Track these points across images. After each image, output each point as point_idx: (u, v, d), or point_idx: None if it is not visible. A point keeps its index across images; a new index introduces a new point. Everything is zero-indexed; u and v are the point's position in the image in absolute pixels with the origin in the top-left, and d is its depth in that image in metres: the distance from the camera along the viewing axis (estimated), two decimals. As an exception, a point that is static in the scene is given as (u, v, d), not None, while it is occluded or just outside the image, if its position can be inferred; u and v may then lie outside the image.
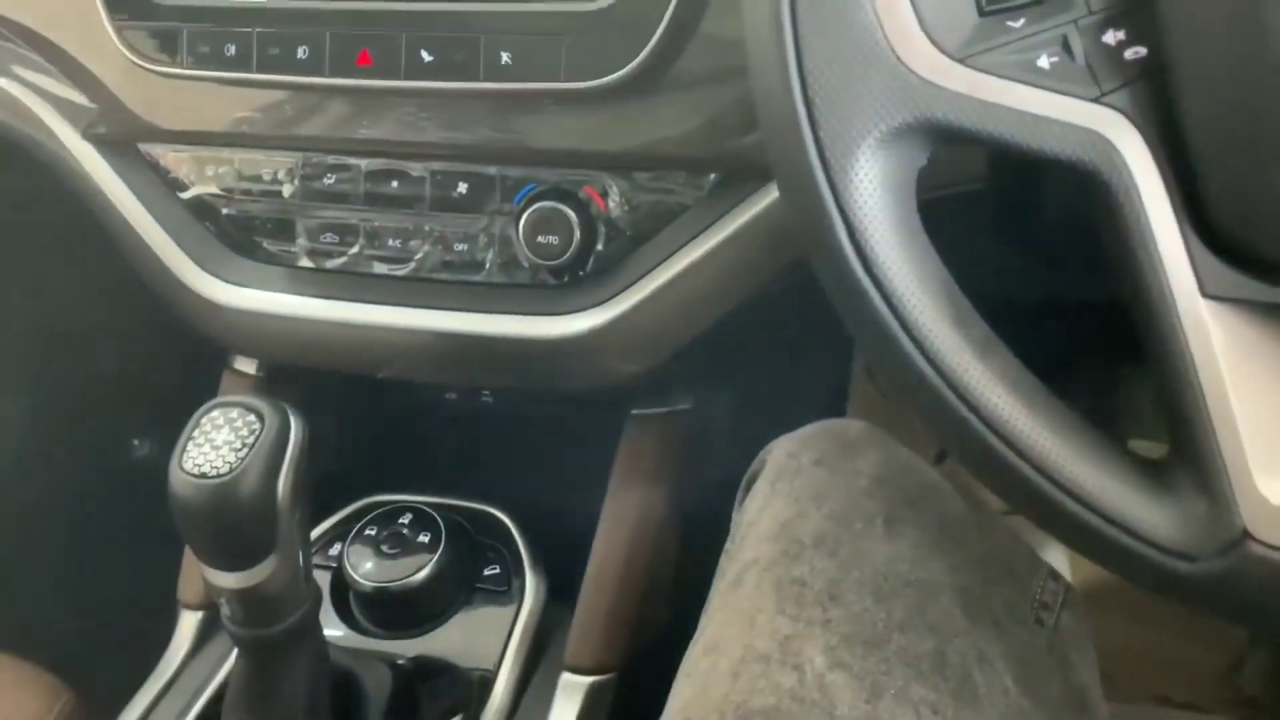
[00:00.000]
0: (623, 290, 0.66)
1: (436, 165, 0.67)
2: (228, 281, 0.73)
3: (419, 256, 0.69)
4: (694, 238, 0.64)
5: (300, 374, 0.80)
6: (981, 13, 0.37)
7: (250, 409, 0.58)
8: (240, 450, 0.56)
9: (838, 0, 0.38)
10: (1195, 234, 0.37)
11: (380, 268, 0.70)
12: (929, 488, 0.59)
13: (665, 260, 0.65)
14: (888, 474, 0.58)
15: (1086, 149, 0.37)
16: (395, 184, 0.68)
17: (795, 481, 0.58)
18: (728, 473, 0.65)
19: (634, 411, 0.76)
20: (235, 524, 0.55)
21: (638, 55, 0.59)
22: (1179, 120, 0.36)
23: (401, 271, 0.69)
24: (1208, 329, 0.38)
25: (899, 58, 0.38)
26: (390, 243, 0.69)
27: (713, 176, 0.64)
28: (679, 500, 0.75)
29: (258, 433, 0.56)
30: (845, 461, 0.59)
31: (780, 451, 0.61)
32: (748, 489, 0.63)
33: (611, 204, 0.65)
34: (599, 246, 0.65)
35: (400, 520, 0.75)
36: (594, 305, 0.66)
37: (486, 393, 0.85)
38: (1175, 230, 0.37)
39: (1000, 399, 0.39)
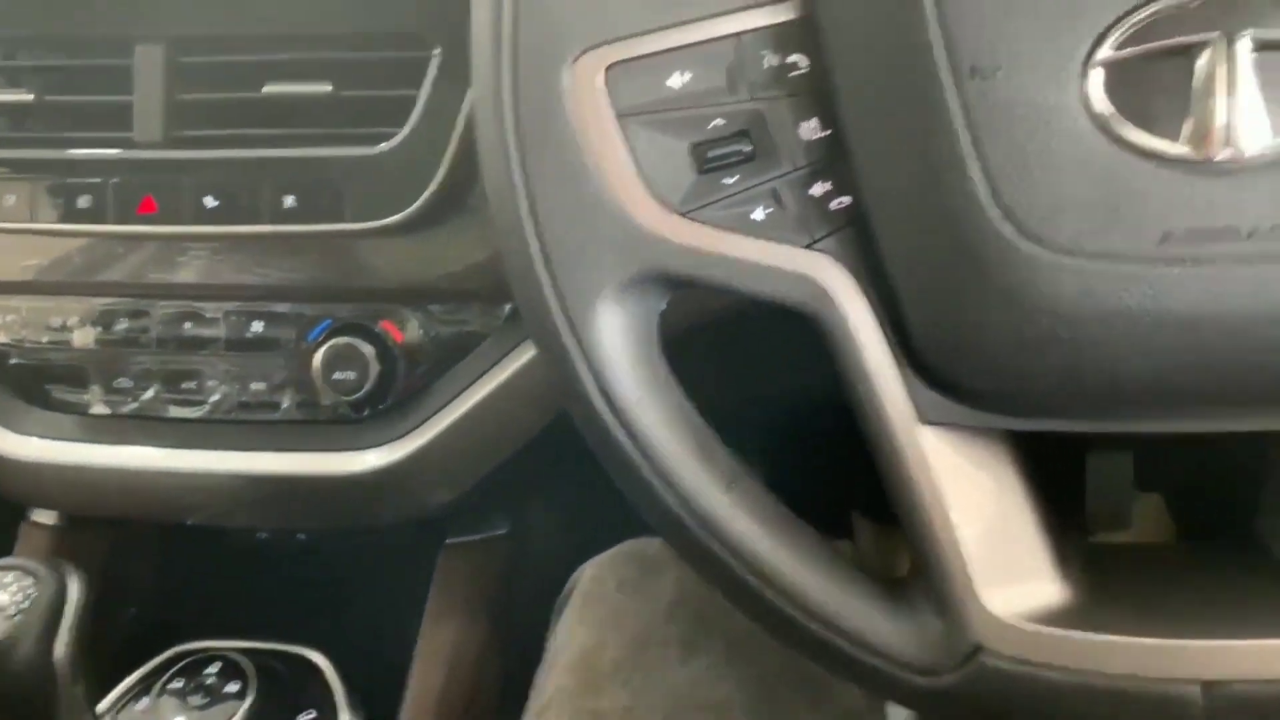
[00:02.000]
0: (424, 421, 0.66)
1: (230, 306, 0.67)
2: (17, 432, 0.71)
3: (215, 399, 0.68)
4: (493, 365, 0.65)
5: (103, 522, 0.77)
6: (699, 171, 0.40)
7: (27, 572, 0.55)
8: (13, 616, 0.53)
9: (567, 163, 0.40)
10: (908, 366, 0.40)
11: (176, 411, 0.69)
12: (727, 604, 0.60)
13: (466, 389, 0.66)
14: (686, 593, 0.59)
15: (803, 293, 0.40)
16: (188, 326, 0.68)
17: (599, 608, 0.59)
18: (547, 594, 0.65)
19: (448, 541, 0.75)
20: (5, 695, 0.53)
21: (420, 196, 0.61)
22: (882, 263, 0.39)
23: (197, 414, 0.68)
24: (926, 454, 0.40)
25: (628, 215, 0.40)
26: (185, 385, 0.68)
27: (508, 306, 0.65)
28: (497, 628, 0.75)
29: (32, 597, 0.54)
30: (646, 583, 0.60)
31: (587, 576, 0.62)
32: (559, 614, 0.63)
33: (409, 336, 0.66)
34: (398, 379, 0.66)
35: (208, 670, 0.72)
36: (396, 438, 0.67)
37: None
38: (890, 363, 0.40)
39: (745, 529, 0.41)
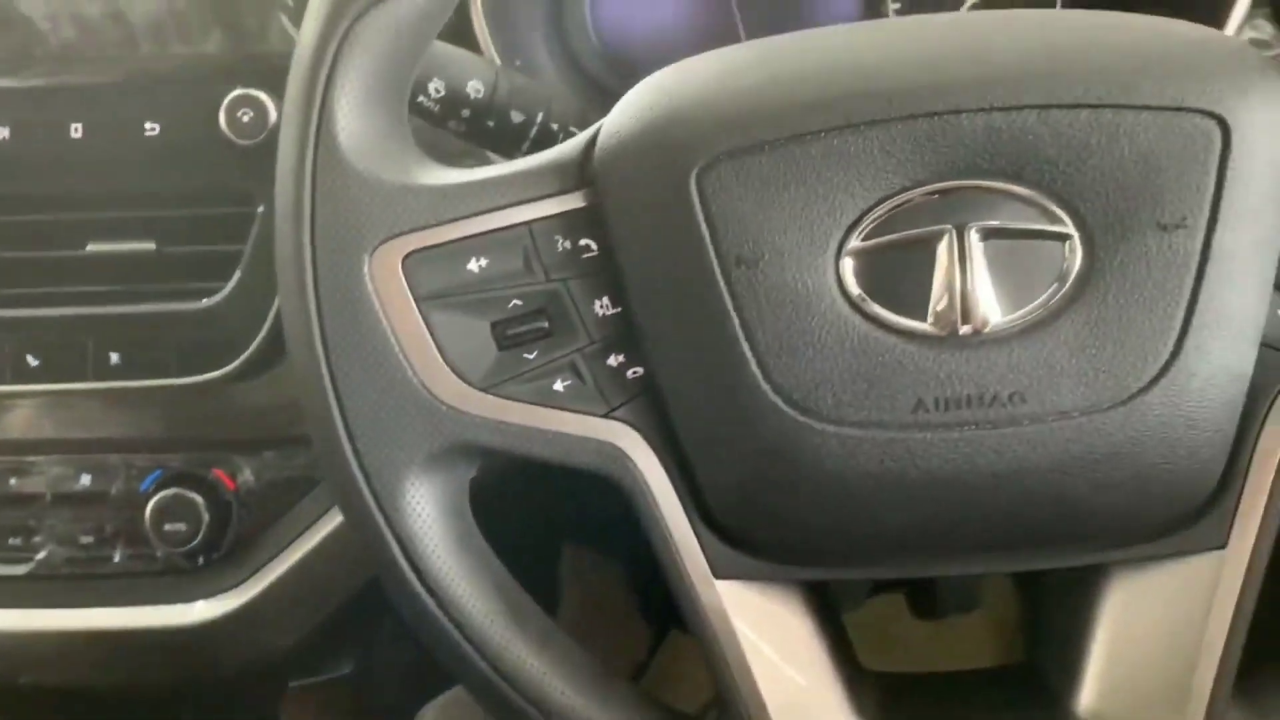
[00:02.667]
0: (260, 568, 0.66)
1: (57, 459, 0.66)
2: None
3: (42, 555, 0.66)
4: (328, 509, 0.66)
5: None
6: (501, 348, 0.42)
7: None
8: None
9: (370, 347, 0.41)
10: (703, 524, 0.43)
11: (1, 569, 0.67)
12: None
13: (302, 534, 0.66)
14: None
15: (603, 459, 0.42)
16: (14, 481, 0.66)
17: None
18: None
19: (291, 684, 0.75)
20: None
21: (248, 347, 0.62)
22: (674, 430, 0.42)
23: (23, 570, 0.67)
24: (723, 607, 0.43)
25: (430, 392, 0.42)
26: (11, 541, 0.67)
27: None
28: (345, 768, 0.74)
29: None
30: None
31: (429, 718, 0.63)
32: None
33: (242, 484, 0.66)
34: (232, 527, 0.66)
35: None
36: (232, 587, 0.66)
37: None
38: (686, 523, 0.43)
39: (556, 687, 0.43)
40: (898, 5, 0.77)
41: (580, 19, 0.78)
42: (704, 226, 0.39)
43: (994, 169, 0.39)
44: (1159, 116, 0.38)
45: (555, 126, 0.54)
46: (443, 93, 0.51)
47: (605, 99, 0.80)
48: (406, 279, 0.42)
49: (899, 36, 0.41)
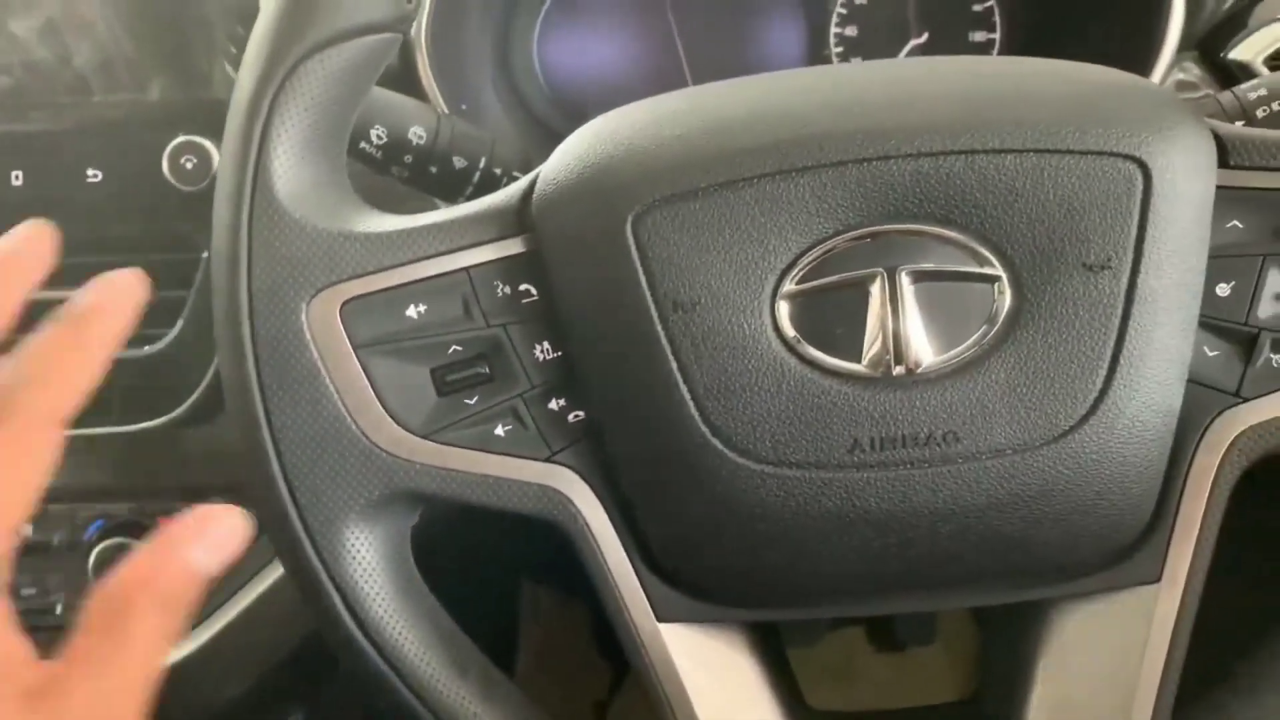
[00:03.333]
0: (206, 618, 0.65)
1: (-3, 510, 0.65)
2: None
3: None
4: (274, 558, 0.65)
5: None
6: (440, 394, 0.42)
7: None
8: None
9: (307, 395, 0.41)
10: (646, 567, 0.43)
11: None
12: None
13: (248, 583, 0.65)
14: None
15: (545, 503, 0.42)
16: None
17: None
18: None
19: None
20: None
21: (192, 394, 0.61)
22: (616, 472, 0.42)
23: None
24: (667, 649, 0.43)
25: (370, 440, 0.42)
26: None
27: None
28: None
29: None
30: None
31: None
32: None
33: (188, 532, 0.65)
34: (178, 576, 0.65)
35: None
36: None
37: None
38: (628, 566, 0.43)
39: None
40: (840, 49, 0.79)
41: (527, 62, 0.79)
42: (640, 271, 0.40)
43: (923, 213, 0.39)
44: (1082, 161, 0.39)
45: (498, 171, 0.54)
46: (385, 139, 0.52)
47: (552, 141, 0.81)
48: (344, 326, 0.42)
49: (829, 84, 0.42)
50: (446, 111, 0.65)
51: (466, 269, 0.42)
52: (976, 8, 0.77)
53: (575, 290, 0.41)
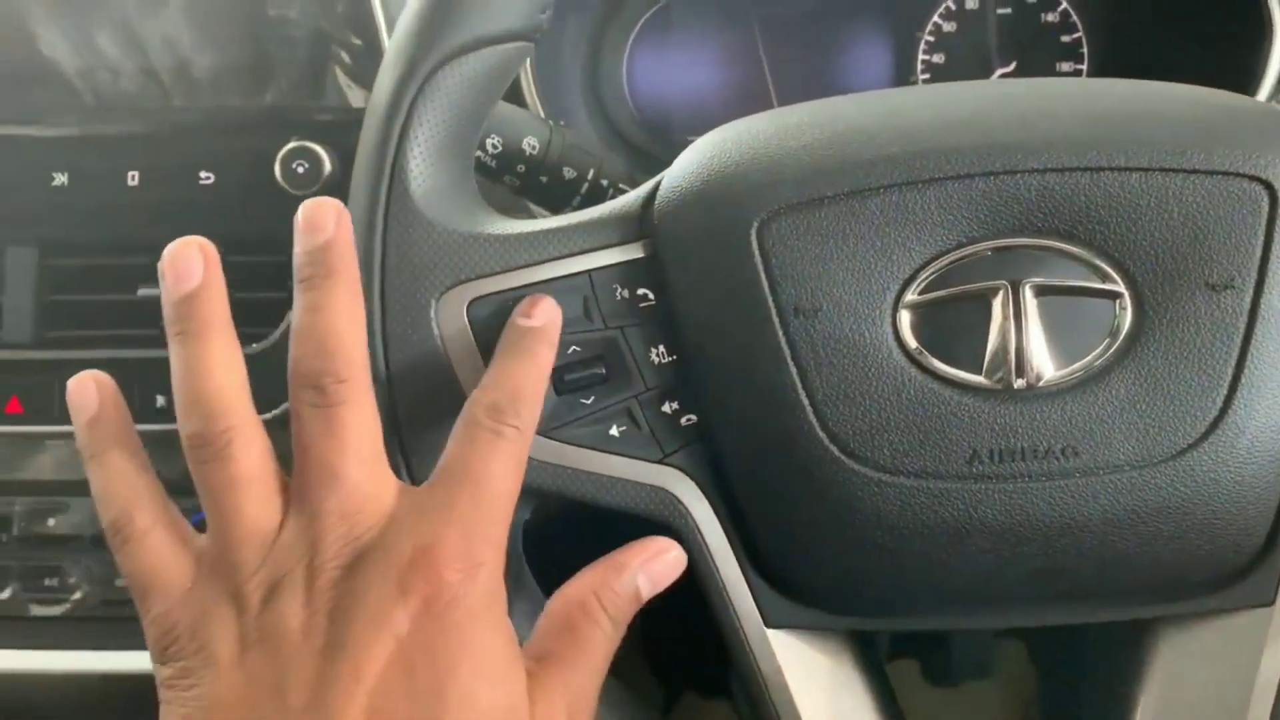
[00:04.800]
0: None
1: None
2: None
3: (78, 595, 0.67)
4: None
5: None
6: (558, 392, 0.43)
7: None
8: None
9: (432, 384, 0.42)
10: (756, 573, 0.43)
11: (37, 610, 0.67)
12: None
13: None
14: None
15: (656, 504, 0.43)
16: (51, 522, 0.67)
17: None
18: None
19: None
20: None
21: (293, 394, 0.62)
22: (728, 477, 0.43)
23: (58, 611, 0.67)
24: (775, 656, 0.43)
25: None
26: (47, 582, 0.67)
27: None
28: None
29: None
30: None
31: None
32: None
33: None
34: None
35: None
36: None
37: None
38: (738, 570, 0.43)
39: None
40: (926, 76, 0.79)
41: (616, 87, 0.80)
42: (764, 277, 0.40)
43: (1048, 228, 0.40)
44: (1207, 181, 0.39)
45: (605, 183, 0.56)
46: (500, 148, 0.53)
47: (639, 160, 0.83)
48: (470, 324, 0.43)
49: (952, 99, 0.43)
50: (546, 125, 0.67)
51: (588, 271, 0.43)
52: (1065, 39, 0.77)
53: (695, 294, 0.42)
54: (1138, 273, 0.40)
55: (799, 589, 0.43)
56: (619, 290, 0.43)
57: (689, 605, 0.44)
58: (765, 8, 0.79)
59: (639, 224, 0.43)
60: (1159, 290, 0.40)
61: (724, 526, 0.43)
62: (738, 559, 0.43)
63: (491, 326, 0.43)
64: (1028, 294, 0.40)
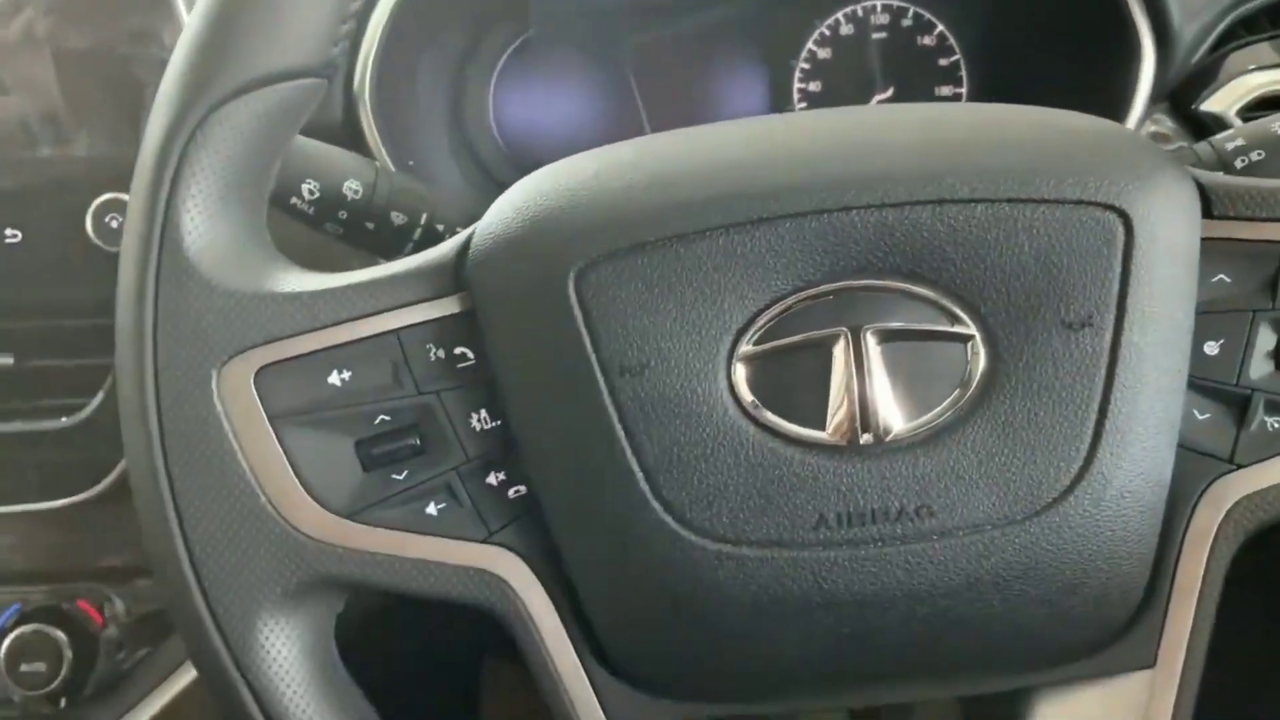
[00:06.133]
0: (129, 710, 0.60)
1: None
2: None
3: None
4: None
5: None
6: (365, 469, 0.38)
7: None
8: None
9: (217, 473, 0.38)
10: (596, 661, 0.39)
11: None
12: None
13: (175, 671, 0.60)
14: None
15: (481, 589, 0.39)
16: None
17: None
18: None
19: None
20: None
21: (114, 469, 0.57)
22: (560, 553, 0.38)
23: None
24: None
25: (286, 522, 0.38)
26: None
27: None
28: None
29: None
30: None
31: None
32: None
33: (111, 617, 0.61)
34: (98, 666, 0.60)
35: None
36: (97, 731, 0.60)
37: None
38: (575, 660, 0.39)
39: None
40: (804, 105, 0.77)
41: (482, 116, 0.76)
42: (584, 332, 0.36)
43: (889, 268, 0.36)
44: (1058, 210, 0.36)
45: (441, 228, 0.51)
46: (317, 194, 0.48)
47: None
48: (260, 396, 0.38)
49: (784, 132, 0.39)
50: (392, 168, 0.62)
51: (396, 331, 0.39)
52: (943, 62, 0.75)
53: (514, 353, 0.38)
54: (989, 313, 0.36)
55: (641, 676, 0.39)
56: (433, 350, 0.39)
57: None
58: (635, 35, 0.76)
59: (453, 276, 0.39)
60: (1012, 331, 0.36)
61: (559, 611, 0.39)
62: (575, 647, 0.39)
63: (285, 400, 0.38)
64: (870, 340, 0.36)
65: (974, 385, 0.36)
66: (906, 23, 0.75)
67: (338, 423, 0.38)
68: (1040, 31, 0.71)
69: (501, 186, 0.77)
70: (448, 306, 0.39)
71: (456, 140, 0.75)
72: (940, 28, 0.75)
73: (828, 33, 0.76)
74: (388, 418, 0.39)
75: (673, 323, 0.36)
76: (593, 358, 0.36)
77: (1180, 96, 0.65)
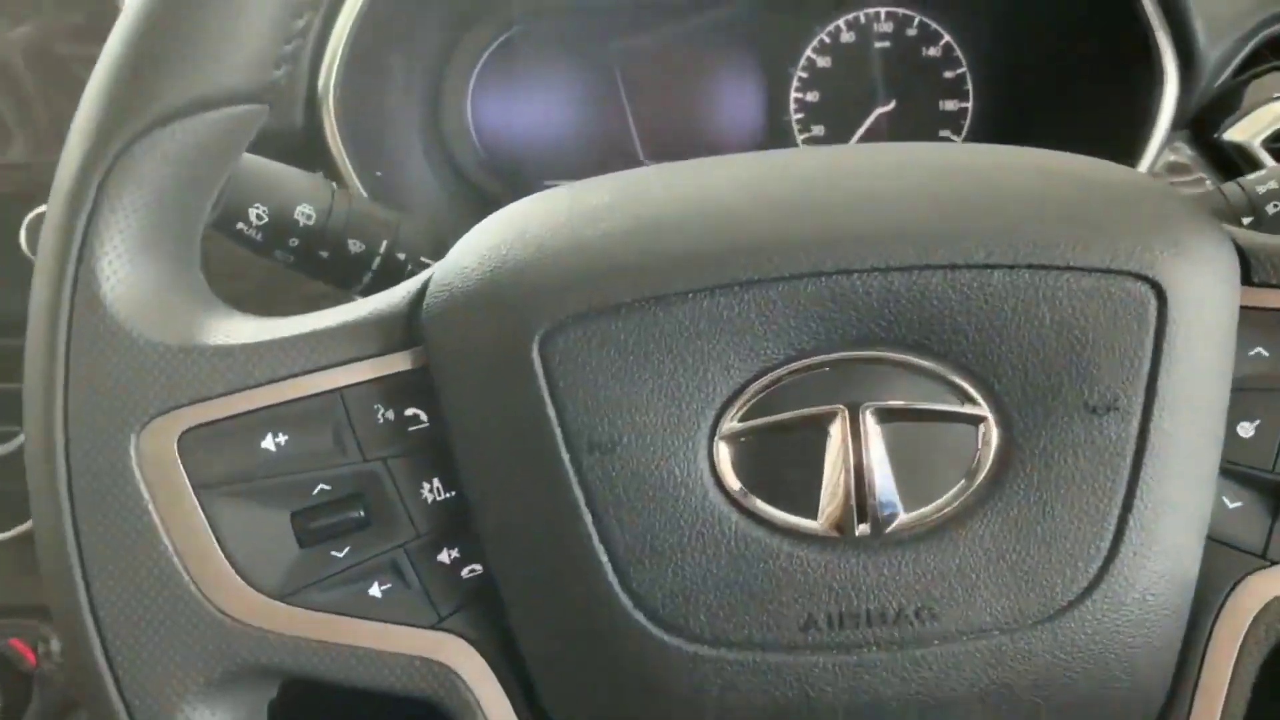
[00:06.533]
0: (63, 756, 0.56)
1: None
2: None
3: None
4: None
5: None
6: (302, 545, 0.34)
7: None
8: None
9: (135, 548, 0.33)
10: None
11: None
12: None
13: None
14: None
15: (429, 680, 0.35)
16: None
17: None
18: None
19: None
20: None
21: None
22: (518, 642, 0.35)
23: None
24: None
25: (212, 605, 0.34)
26: None
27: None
28: None
29: None
30: None
31: None
32: None
33: (45, 656, 0.57)
34: (32, 707, 0.56)
35: None
36: (30, 778, 0.56)
37: None
38: None
39: None
40: (800, 115, 0.73)
41: (460, 121, 0.72)
42: (549, 403, 0.32)
43: (894, 338, 0.32)
44: (1084, 279, 0.32)
45: (402, 256, 0.47)
46: (265, 219, 0.44)
47: (486, 210, 0.75)
48: (184, 463, 0.34)
49: (778, 175, 0.35)
50: (357, 179, 0.58)
51: (339, 390, 0.34)
52: (948, 75, 0.71)
53: (471, 419, 0.34)
54: (1003, 392, 0.32)
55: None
56: (380, 411, 0.35)
57: None
58: (622, 38, 0.71)
59: (405, 328, 0.35)
60: (1029, 413, 0.32)
61: (515, 708, 0.35)
62: None
63: (213, 468, 0.34)
64: (870, 419, 0.32)
65: (984, 473, 0.32)
66: (911, 32, 0.71)
67: (272, 493, 0.34)
68: (1054, 48, 0.67)
69: (480, 195, 0.74)
70: (398, 363, 0.35)
71: (432, 146, 0.70)
72: (946, 38, 0.71)
73: (828, 40, 0.72)
74: (328, 487, 0.34)
75: (649, 394, 0.32)
76: (558, 431, 0.32)
77: (1201, 123, 0.61)
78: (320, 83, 0.57)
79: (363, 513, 0.35)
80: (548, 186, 0.72)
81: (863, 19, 0.71)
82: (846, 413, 0.32)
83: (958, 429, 0.33)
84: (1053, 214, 0.33)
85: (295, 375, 0.34)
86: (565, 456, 0.32)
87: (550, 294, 0.32)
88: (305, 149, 0.57)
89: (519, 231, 0.34)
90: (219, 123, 0.35)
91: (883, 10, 0.71)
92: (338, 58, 0.58)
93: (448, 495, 0.35)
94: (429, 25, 0.67)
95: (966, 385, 0.32)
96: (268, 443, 0.34)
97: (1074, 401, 0.32)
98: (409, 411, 0.35)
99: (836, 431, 0.32)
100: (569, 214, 0.34)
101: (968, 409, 0.32)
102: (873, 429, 0.32)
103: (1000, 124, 0.71)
